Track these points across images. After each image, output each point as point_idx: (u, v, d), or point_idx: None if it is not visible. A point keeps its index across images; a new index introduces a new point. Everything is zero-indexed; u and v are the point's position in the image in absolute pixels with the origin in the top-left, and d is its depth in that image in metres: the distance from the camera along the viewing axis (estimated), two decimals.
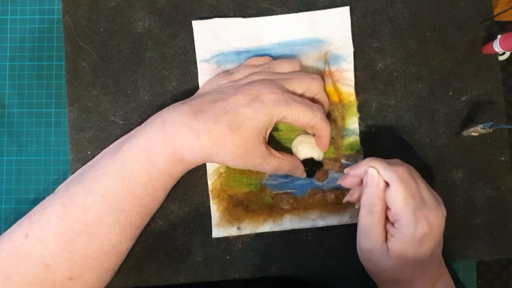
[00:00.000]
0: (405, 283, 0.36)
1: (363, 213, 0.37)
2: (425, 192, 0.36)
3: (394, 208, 0.35)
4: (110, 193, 0.35)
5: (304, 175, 0.42)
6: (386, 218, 0.37)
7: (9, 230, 0.36)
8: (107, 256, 0.36)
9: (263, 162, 0.37)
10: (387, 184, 0.36)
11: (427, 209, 0.35)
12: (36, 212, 0.35)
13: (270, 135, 0.42)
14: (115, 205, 0.35)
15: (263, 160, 0.37)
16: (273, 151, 0.38)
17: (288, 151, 0.42)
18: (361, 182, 0.38)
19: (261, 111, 0.35)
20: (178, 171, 0.36)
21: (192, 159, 0.35)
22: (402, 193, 0.34)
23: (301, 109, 0.37)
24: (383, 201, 0.36)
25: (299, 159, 0.42)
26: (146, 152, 0.35)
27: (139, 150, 0.35)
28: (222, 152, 0.35)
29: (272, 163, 0.38)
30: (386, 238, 0.36)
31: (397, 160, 0.38)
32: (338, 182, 0.40)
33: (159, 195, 0.37)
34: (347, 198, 0.40)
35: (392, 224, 0.36)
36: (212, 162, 0.37)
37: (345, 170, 0.39)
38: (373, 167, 0.36)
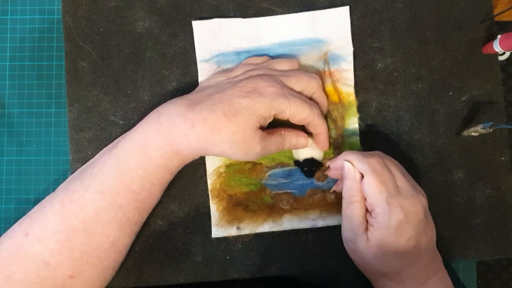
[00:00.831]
0: (393, 276, 0.37)
1: (343, 204, 0.38)
2: (401, 181, 0.36)
3: (368, 197, 0.36)
4: (106, 188, 0.35)
5: (307, 143, 0.40)
6: (367, 209, 0.37)
7: (10, 229, 0.36)
8: (106, 253, 0.36)
9: (265, 145, 0.37)
10: (362, 176, 0.37)
11: (401, 197, 0.35)
12: (36, 211, 0.36)
13: None
14: (112, 200, 0.35)
15: (264, 143, 0.36)
16: (268, 131, 0.38)
17: (288, 151, 0.42)
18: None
19: (259, 101, 0.35)
20: (174, 164, 0.36)
21: (188, 150, 0.35)
22: (374, 183, 0.35)
23: (300, 104, 0.37)
24: (361, 192, 0.37)
25: (299, 159, 0.42)
26: (141, 146, 0.35)
27: (134, 144, 0.35)
28: (218, 140, 0.35)
29: (273, 141, 0.37)
30: (366, 228, 0.37)
31: (375, 152, 0.39)
32: (326, 173, 0.41)
33: (156, 190, 0.37)
34: (333, 188, 0.41)
35: (370, 213, 0.37)
36: (210, 155, 0.37)
37: (327, 163, 0.40)
38: (348, 161, 0.37)
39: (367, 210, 0.37)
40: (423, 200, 0.37)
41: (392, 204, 0.35)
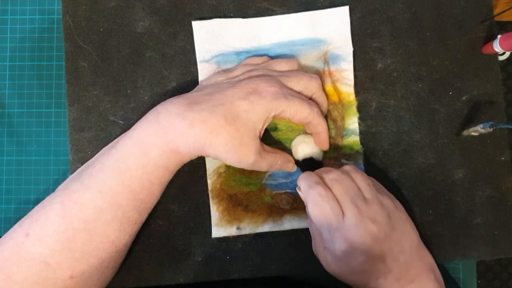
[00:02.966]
0: (361, 286, 0.36)
1: (308, 221, 0.39)
2: (348, 209, 0.35)
3: (314, 225, 0.37)
4: (106, 188, 0.35)
5: (295, 168, 0.41)
6: None
7: (10, 230, 0.36)
8: (107, 253, 0.36)
9: (259, 159, 0.37)
10: None
11: (344, 228, 0.34)
12: (36, 211, 0.35)
13: (270, 135, 0.42)
14: (112, 200, 0.35)
15: (259, 156, 0.37)
16: (265, 146, 0.39)
17: (288, 151, 0.42)
18: None
19: (259, 103, 0.35)
20: (173, 163, 0.36)
21: (186, 150, 0.35)
22: (314, 215, 0.36)
23: (299, 103, 0.37)
24: None
25: (299, 159, 0.42)
26: (140, 145, 0.35)
27: (133, 143, 0.35)
28: (216, 142, 0.35)
29: (267, 159, 0.38)
30: (324, 247, 0.37)
31: (333, 172, 0.38)
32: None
33: (156, 190, 0.37)
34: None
35: None
36: (206, 156, 0.37)
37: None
38: (299, 188, 0.38)
39: None
40: (371, 227, 0.34)
41: (334, 235, 0.35)
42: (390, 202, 0.37)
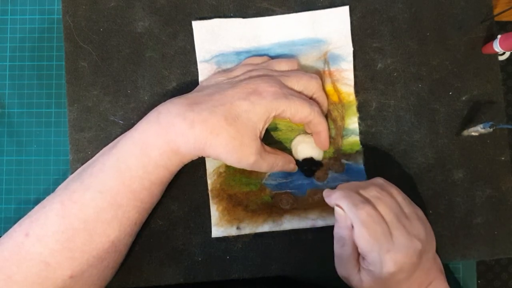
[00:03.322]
0: None
1: (336, 245, 0.37)
2: (396, 229, 0.34)
3: (359, 248, 0.35)
4: (107, 188, 0.35)
5: (296, 169, 0.41)
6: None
7: (10, 230, 0.36)
8: (106, 253, 0.36)
9: (259, 159, 0.36)
10: None
11: (394, 250, 0.34)
12: (36, 211, 0.36)
13: (270, 135, 0.42)
14: (112, 200, 0.35)
15: (259, 157, 0.36)
16: (266, 147, 0.38)
17: (287, 151, 0.42)
18: None
19: (259, 103, 0.35)
20: (173, 164, 0.36)
21: (187, 150, 0.35)
22: (363, 237, 0.34)
23: (300, 102, 0.37)
24: (352, 238, 0.35)
25: (299, 159, 0.42)
26: (140, 145, 0.35)
27: (133, 143, 0.35)
28: (216, 142, 0.34)
29: (267, 160, 0.37)
30: (359, 268, 0.36)
31: (375, 181, 0.37)
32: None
33: (156, 190, 0.37)
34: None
35: (363, 258, 0.35)
36: (206, 156, 0.37)
37: (324, 193, 0.38)
38: (338, 206, 0.36)
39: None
40: (417, 245, 0.34)
41: (384, 258, 0.33)
42: (422, 214, 0.37)
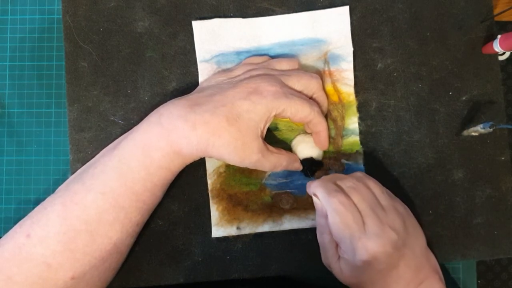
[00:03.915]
0: None
1: (317, 232, 0.38)
2: (368, 218, 0.35)
3: (333, 236, 0.36)
4: (108, 189, 0.35)
5: (301, 167, 0.41)
6: None
7: (10, 231, 0.36)
8: (108, 254, 0.36)
9: (261, 158, 0.37)
10: None
11: (365, 238, 0.34)
12: (37, 212, 0.35)
13: (270, 135, 0.42)
14: (114, 201, 0.35)
15: (261, 155, 0.36)
16: (270, 147, 0.38)
17: (287, 151, 0.42)
18: None
19: (260, 103, 0.35)
20: (176, 165, 0.36)
21: (189, 151, 0.35)
22: (335, 224, 0.35)
23: (300, 102, 0.37)
24: (328, 225, 0.36)
25: (299, 159, 0.42)
26: (142, 147, 0.35)
27: (135, 145, 0.35)
28: (218, 143, 0.35)
29: (270, 159, 0.38)
30: (339, 257, 0.37)
31: (355, 174, 0.38)
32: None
33: (158, 191, 0.37)
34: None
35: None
36: (209, 157, 0.37)
37: (307, 184, 0.39)
38: (315, 195, 0.37)
39: None
40: (392, 235, 0.34)
41: (356, 245, 0.34)
42: (403, 208, 0.38)
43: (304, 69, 0.42)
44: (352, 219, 0.35)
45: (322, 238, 0.38)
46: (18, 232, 0.35)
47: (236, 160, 0.36)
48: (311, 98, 0.40)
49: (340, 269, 0.36)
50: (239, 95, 0.35)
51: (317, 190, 0.37)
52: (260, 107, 0.35)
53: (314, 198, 0.38)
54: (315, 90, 0.39)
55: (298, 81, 0.38)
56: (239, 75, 0.39)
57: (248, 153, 0.36)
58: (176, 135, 0.35)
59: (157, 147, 0.35)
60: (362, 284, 0.36)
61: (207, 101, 0.36)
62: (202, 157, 0.37)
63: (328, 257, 0.37)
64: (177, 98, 0.37)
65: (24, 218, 0.36)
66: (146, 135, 0.35)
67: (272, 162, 0.38)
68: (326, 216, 0.36)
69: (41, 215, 0.35)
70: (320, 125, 0.39)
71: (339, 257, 0.37)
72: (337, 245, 0.37)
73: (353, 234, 0.34)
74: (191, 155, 0.36)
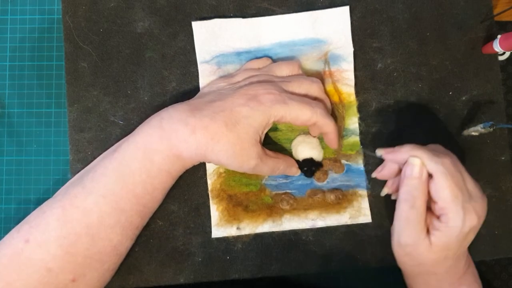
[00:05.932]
0: (441, 275, 0.36)
1: (404, 207, 0.34)
2: (470, 183, 0.34)
3: (441, 201, 0.33)
4: (109, 192, 0.35)
5: (298, 172, 0.41)
6: (428, 210, 0.35)
7: (7, 236, 0.35)
8: (108, 257, 0.36)
9: (260, 163, 0.37)
10: (430, 176, 0.34)
11: (474, 201, 0.33)
12: (35, 217, 0.35)
13: (270, 135, 0.42)
14: (115, 204, 0.35)
15: (260, 160, 0.37)
16: (268, 151, 0.38)
17: (287, 151, 0.42)
18: (399, 171, 0.36)
19: (258, 109, 0.35)
20: (176, 169, 0.36)
21: (188, 155, 0.35)
22: (450, 187, 0.33)
23: (299, 106, 0.36)
24: (426, 194, 0.34)
25: (299, 160, 0.42)
26: (143, 150, 0.35)
27: (136, 148, 0.35)
28: (217, 148, 0.35)
29: (268, 164, 0.38)
30: (428, 231, 0.35)
31: (439, 147, 0.37)
32: (374, 175, 0.39)
33: (158, 194, 0.37)
34: (385, 191, 0.39)
35: (437, 217, 0.34)
36: (208, 162, 0.37)
37: (379, 152, 0.37)
38: (416, 157, 0.34)
39: (429, 210, 0.35)
40: (485, 199, 0.35)
41: (467, 209, 0.33)
42: None
43: (305, 69, 0.42)
44: (461, 181, 0.33)
45: (412, 210, 0.34)
46: (16, 238, 0.35)
47: (235, 165, 0.36)
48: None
49: (428, 245, 0.34)
50: (238, 101, 0.36)
51: (418, 152, 0.34)
52: (258, 113, 0.35)
53: (414, 160, 0.34)
54: (316, 95, 0.39)
55: (298, 86, 0.38)
56: (239, 82, 0.39)
57: (246, 158, 0.36)
58: (176, 139, 0.35)
59: (158, 150, 0.35)
60: (447, 261, 0.35)
61: (207, 106, 0.36)
62: (202, 161, 0.37)
63: (416, 232, 0.34)
64: (178, 103, 0.38)
65: (21, 223, 0.36)
66: (147, 138, 0.35)
67: (270, 166, 0.38)
68: (424, 182, 0.34)
69: (40, 219, 0.35)
70: (326, 127, 0.38)
71: (427, 232, 0.35)
72: (426, 217, 0.35)
73: (465, 197, 0.33)
74: (191, 159, 0.36)
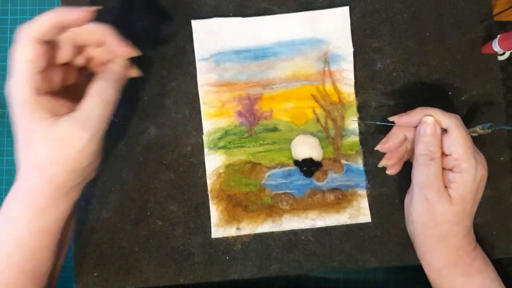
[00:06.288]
0: (459, 240, 0.37)
1: (422, 162, 0.36)
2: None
3: (455, 153, 0.35)
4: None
5: (138, 73, 0.37)
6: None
7: None
8: None
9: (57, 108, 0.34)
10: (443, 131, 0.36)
11: (477, 153, 0.36)
12: None
13: (269, 135, 0.42)
14: None
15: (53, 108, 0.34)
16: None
17: (287, 151, 0.42)
18: (400, 144, 0.39)
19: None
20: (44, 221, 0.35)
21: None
22: (464, 137, 0.35)
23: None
24: (441, 148, 0.36)
25: (299, 159, 0.42)
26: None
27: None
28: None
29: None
30: (445, 186, 0.36)
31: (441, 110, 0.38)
32: (377, 148, 0.39)
33: (42, 254, 0.34)
34: (383, 163, 0.40)
35: (451, 170, 0.36)
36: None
37: (391, 118, 0.39)
38: (429, 115, 0.36)
39: (443, 172, 0.37)
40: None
41: (477, 159, 0.35)
42: None
43: (304, 69, 0.42)
44: (469, 134, 0.36)
45: (432, 165, 0.36)
46: None
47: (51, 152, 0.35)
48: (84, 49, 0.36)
49: (447, 198, 0.35)
50: None
51: (431, 111, 0.37)
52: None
53: (428, 118, 0.36)
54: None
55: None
56: None
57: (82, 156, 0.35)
58: None
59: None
60: (464, 218, 0.36)
61: None
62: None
63: (437, 186, 0.36)
64: None
65: None
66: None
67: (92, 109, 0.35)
68: (439, 137, 0.36)
69: None
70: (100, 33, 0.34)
71: (445, 187, 0.36)
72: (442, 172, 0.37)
73: (474, 149, 0.36)
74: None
